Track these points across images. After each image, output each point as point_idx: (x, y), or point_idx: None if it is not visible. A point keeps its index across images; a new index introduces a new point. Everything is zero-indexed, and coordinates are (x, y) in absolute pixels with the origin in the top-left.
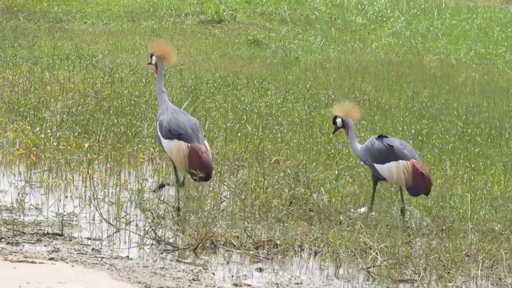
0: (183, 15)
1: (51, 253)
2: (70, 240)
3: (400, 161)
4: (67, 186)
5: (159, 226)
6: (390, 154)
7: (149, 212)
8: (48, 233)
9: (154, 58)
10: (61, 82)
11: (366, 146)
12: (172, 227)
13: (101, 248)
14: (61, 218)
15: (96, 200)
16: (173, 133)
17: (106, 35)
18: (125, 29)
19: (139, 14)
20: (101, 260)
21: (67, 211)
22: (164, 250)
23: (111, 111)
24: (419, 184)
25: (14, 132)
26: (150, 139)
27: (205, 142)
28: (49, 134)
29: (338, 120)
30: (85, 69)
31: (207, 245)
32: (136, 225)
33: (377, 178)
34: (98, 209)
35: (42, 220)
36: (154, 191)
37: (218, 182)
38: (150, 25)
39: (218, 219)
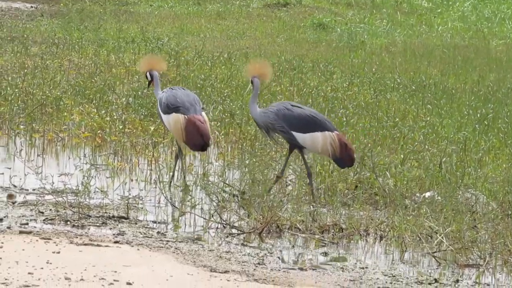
0: None
1: (116, 236)
2: (136, 224)
3: (326, 132)
4: (132, 169)
5: (224, 210)
6: (314, 124)
7: (214, 196)
8: (113, 216)
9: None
10: (126, 65)
11: (275, 112)
12: (237, 210)
13: (166, 232)
14: (126, 201)
15: (161, 184)
16: (170, 107)
17: (172, 18)
18: (191, 12)
19: None
20: (167, 243)
21: (133, 194)
22: (229, 234)
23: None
24: (345, 156)
25: (80, 115)
26: (216, 122)
27: (203, 113)
28: (115, 117)
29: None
30: (150, 52)
31: (273, 229)
32: (201, 208)
33: (294, 145)
34: (163, 192)
35: (108, 203)
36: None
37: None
38: (216, 8)
39: (283, 203)
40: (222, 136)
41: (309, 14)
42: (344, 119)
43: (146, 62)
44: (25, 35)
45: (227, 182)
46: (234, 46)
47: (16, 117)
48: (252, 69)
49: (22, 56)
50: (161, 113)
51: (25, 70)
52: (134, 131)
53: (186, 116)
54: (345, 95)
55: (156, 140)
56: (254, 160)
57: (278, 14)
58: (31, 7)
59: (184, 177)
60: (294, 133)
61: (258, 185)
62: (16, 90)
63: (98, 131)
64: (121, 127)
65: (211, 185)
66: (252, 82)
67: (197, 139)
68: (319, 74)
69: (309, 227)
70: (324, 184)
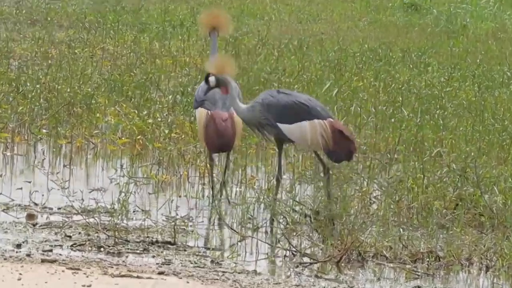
0: None
1: (161, 266)
2: (185, 250)
3: (315, 120)
4: (180, 183)
5: (294, 234)
6: (302, 112)
7: (281, 216)
8: (157, 242)
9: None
10: (173, 54)
11: (261, 103)
12: (310, 234)
13: (222, 260)
14: (173, 223)
15: (216, 201)
16: (197, 101)
17: None
18: None
19: None
20: (223, 275)
21: (181, 215)
22: (300, 263)
23: None
24: (341, 148)
25: (116, 116)
26: None
27: (233, 111)
28: (159, 119)
29: (211, 79)
30: (203, 38)
31: (353, 257)
32: (266, 232)
33: (282, 140)
34: (218, 212)
35: (150, 225)
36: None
37: (367, 180)
38: None
39: (366, 225)
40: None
41: None
42: (441, 121)
43: (208, 18)
44: (49, 18)
45: (297, 199)
46: (306, 31)
47: (38, 119)
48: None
49: (45, 43)
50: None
51: (49, 61)
52: (183, 136)
53: (209, 112)
54: (442, 92)
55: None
56: (330, 172)
57: None
58: None
59: (222, 190)
60: (280, 124)
61: (336, 204)
62: (38, 85)
63: (138, 137)
64: (166, 131)
65: (277, 203)
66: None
67: (215, 138)
68: (411, 66)
69: (398, 255)
70: (417, 202)
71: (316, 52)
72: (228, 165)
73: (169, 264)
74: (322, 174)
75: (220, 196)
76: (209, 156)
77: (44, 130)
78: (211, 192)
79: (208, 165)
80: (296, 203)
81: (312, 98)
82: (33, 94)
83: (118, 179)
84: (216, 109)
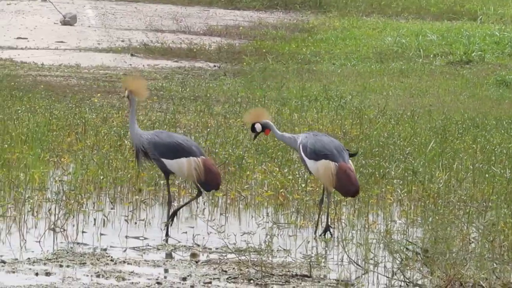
0: (431, 56)
1: None
2: (319, 282)
3: (191, 157)
4: (314, 227)
5: (407, 268)
6: (180, 150)
7: (397, 254)
8: (296, 275)
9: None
10: (309, 123)
11: (149, 139)
12: (420, 268)
13: None
14: (309, 260)
15: (344, 242)
16: (318, 154)
17: (355, 76)
18: (373, 70)
19: (388, 55)
20: None
21: (315, 253)
22: None
23: (360, 153)
24: (210, 180)
25: (263, 174)
26: (399, 180)
27: (349, 161)
28: (297, 175)
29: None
30: (333, 110)
31: (456, 286)
32: (385, 266)
33: (166, 171)
34: (346, 250)
35: (291, 261)
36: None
37: (466, 224)
38: (398, 66)
39: (466, 261)
40: (405, 194)
41: (492, 71)
42: None
43: (252, 114)
44: (208, 94)
45: (410, 240)
46: (417, 104)
47: None
48: (127, 84)
49: (205, 115)
50: (306, 158)
51: (208, 130)
52: (317, 189)
53: (336, 164)
54: None
55: (338, 198)
56: (437, 217)
57: (461, 72)
58: (214, 66)
59: (326, 229)
60: (163, 159)
61: (441, 243)
62: None
63: (281, 190)
64: (303, 185)
65: (394, 243)
66: (128, 98)
67: (349, 186)
68: (502, 131)
69: (492, 285)
70: (508, 242)
71: (425, 121)
72: (330, 204)
73: None
74: (196, 195)
75: (324, 233)
76: (321, 199)
77: None
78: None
79: (318, 204)
80: (409, 243)
81: (188, 139)
82: None
83: (264, 224)
84: (341, 161)
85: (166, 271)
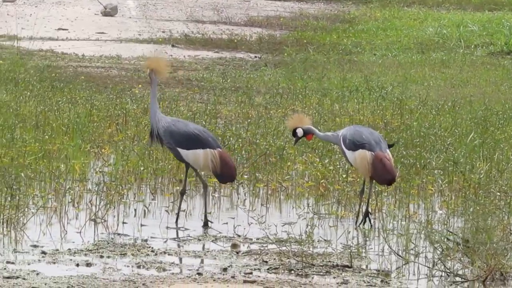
0: (472, 46)
1: (340, 285)
2: (359, 272)
3: (208, 149)
4: (355, 217)
5: (448, 258)
6: (197, 141)
7: (437, 244)
8: (337, 265)
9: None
10: (350, 114)
11: (166, 127)
12: (461, 258)
13: (390, 280)
14: (350, 250)
15: (385, 232)
16: (356, 144)
17: (396, 66)
18: (414, 61)
19: (429, 45)
20: None
21: (356, 243)
22: (453, 282)
23: (400, 143)
24: (225, 172)
25: (303, 164)
26: (440, 171)
27: (388, 151)
28: (338, 166)
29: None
30: (374, 101)
31: (496, 276)
32: (425, 257)
33: (180, 160)
34: (387, 241)
35: (331, 252)
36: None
37: (507, 214)
38: (439, 57)
39: (507, 251)
40: (446, 184)
41: None
42: None
43: (293, 119)
44: (249, 85)
45: (450, 230)
46: (457, 94)
47: (240, 167)
48: (149, 63)
49: (246, 106)
50: (345, 149)
51: (249, 120)
52: (358, 180)
53: (373, 153)
54: None
55: (379, 189)
56: (477, 208)
57: (501, 62)
58: (255, 57)
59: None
60: (179, 149)
61: (482, 233)
62: (240, 140)
63: (322, 180)
64: (344, 176)
65: (435, 233)
66: (150, 77)
67: (384, 174)
68: None
69: None
70: None
71: (466, 111)
72: (370, 194)
73: (346, 284)
74: (202, 190)
75: (363, 222)
76: (361, 190)
77: (245, 176)
78: (380, 223)
79: (358, 194)
80: (450, 233)
81: (205, 130)
82: (236, 147)
83: (305, 215)
84: (377, 151)
85: (206, 261)
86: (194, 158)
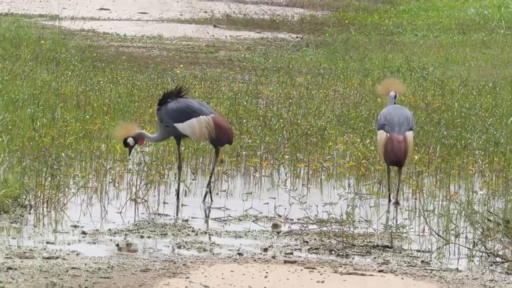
0: None
1: (380, 266)
2: (400, 253)
3: (201, 117)
4: (396, 198)
5: (489, 239)
6: (189, 112)
7: (478, 225)
8: (377, 245)
9: None
10: None
11: (164, 109)
12: (501, 239)
13: (430, 261)
14: (390, 230)
15: (425, 213)
16: (379, 124)
17: (437, 47)
18: (456, 42)
19: (470, 26)
20: (430, 272)
21: (396, 224)
22: (494, 263)
23: (441, 124)
24: (222, 136)
25: (345, 144)
26: (480, 151)
27: (408, 133)
28: None
29: (130, 140)
30: (415, 81)
31: None
32: (466, 237)
33: (180, 136)
34: (427, 221)
35: (372, 232)
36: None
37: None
38: (481, 37)
39: None
40: (486, 165)
41: None
42: None
43: (386, 85)
44: (291, 66)
45: (491, 211)
46: (499, 75)
47: (281, 147)
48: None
49: (288, 86)
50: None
51: (290, 101)
52: None
53: (388, 134)
54: None
55: (420, 169)
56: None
57: None
58: (297, 37)
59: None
60: (175, 124)
61: None
62: (281, 120)
63: (363, 161)
64: None
65: (475, 214)
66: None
67: (390, 156)
68: None
69: None
70: None
71: (507, 92)
72: (400, 176)
73: (387, 264)
74: (215, 155)
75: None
76: (387, 168)
77: (286, 156)
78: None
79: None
80: (490, 213)
81: (196, 100)
82: (277, 127)
83: (346, 195)
84: (393, 133)
85: (247, 242)
86: (190, 128)
